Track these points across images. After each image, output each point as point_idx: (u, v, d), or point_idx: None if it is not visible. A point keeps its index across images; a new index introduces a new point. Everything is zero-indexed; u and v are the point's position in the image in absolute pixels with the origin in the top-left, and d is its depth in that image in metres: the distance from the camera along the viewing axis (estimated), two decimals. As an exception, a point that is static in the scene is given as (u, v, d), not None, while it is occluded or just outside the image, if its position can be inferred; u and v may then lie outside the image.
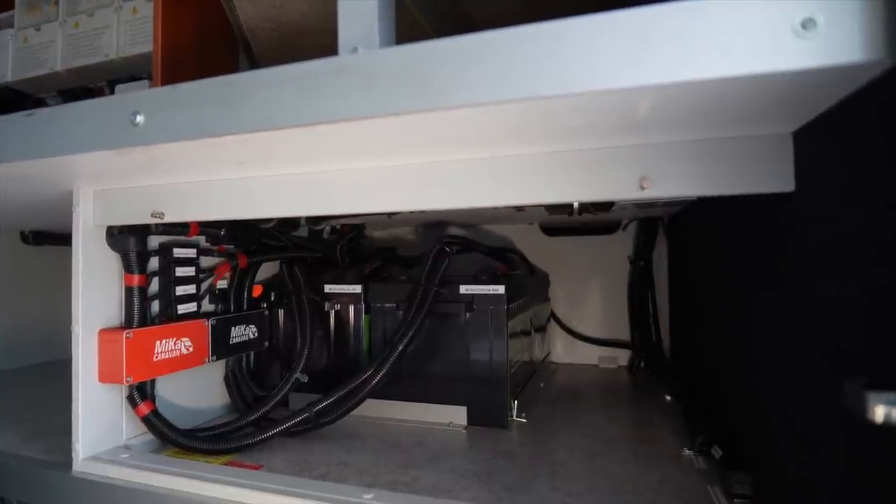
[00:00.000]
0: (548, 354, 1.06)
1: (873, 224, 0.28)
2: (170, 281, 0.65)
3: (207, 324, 0.69)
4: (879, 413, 0.24)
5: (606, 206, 0.64)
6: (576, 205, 0.60)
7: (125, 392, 0.62)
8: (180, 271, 0.67)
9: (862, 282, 0.29)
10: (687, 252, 0.86)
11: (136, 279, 0.61)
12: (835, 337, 0.32)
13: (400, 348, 0.67)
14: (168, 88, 0.37)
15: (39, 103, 0.91)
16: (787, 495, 0.41)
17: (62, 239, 1.18)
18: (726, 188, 0.38)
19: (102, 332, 0.60)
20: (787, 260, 0.40)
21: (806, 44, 0.25)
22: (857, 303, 0.29)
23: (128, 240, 0.61)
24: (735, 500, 0.48)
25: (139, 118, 0.37)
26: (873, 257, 0.28)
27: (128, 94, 0.39)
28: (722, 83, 0.27)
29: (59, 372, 0.66)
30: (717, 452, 0.57)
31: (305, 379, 0.70)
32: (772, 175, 0.37)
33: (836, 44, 0.24)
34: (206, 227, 0.69)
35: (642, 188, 0.39)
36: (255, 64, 0.69)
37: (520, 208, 0.73)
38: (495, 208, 0.62)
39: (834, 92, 0.29)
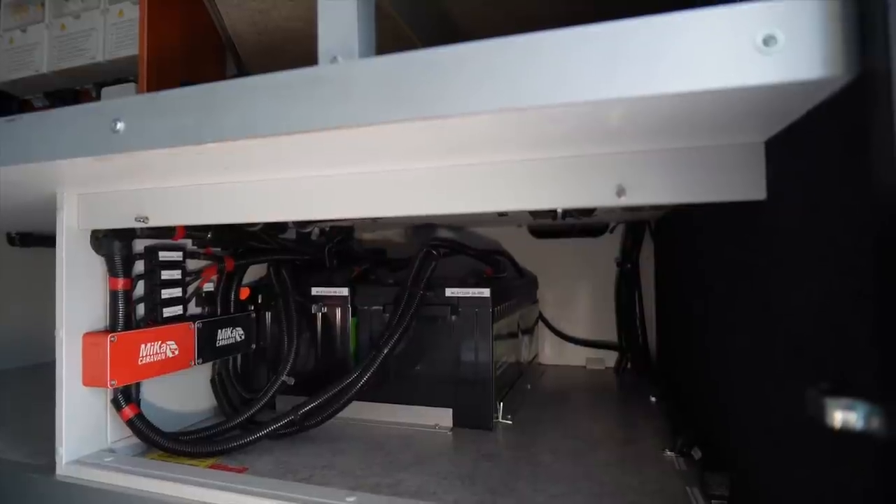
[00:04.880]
0: (536, 356, 1.07)
1: (835, 233, 0.28)
2: (155, 284, 0.65)
3: (193, 327, 0.69)
4: (837, 418, 0.24)
5: (588, 210, 0.64)
6: (559, 210, 0.61)
7: (110, 395, 0.62)
8: (166, 274, 0.67)
9: (826, 289, 0.30)
10: (671, 255, 0.87)
11: (120, 282, 0.61)
12: (802, 342, 0.33)
13: (385, 351, 0.68)
14: (148, 96, 0.37)
15: (25, 104, 0.91)
16: (761, 497, 0.42)
17: (50, 241, 1.17)
18: (700, 196, 0.39)
19: (87, 335, 0.60)
20: (759, 266, 0.40)
21: (768, 59, 0.25)
22: (823, 309, 0.30)
23: (112, 243, 0.61)
24: (713, 502, 0.49)
25: (119, 125, 0.37)
26: (835, 265, 0.28)
27: (108, 102, 0.39)
28: (691, 96, 0.28)
29: (43, 375, 0.65)
30: (696, 454, 0.58)
31: (292, 381, 0.70)
32: (744, 183, 0.38)
33: (796, 60, 0.25)
34: (193, 230, 0.69)
35: (618, 196, 0.39)
36: (241, 68, 0.69)
37: (502, 213, 0.74)
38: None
39: (799, 105, 0.30)
